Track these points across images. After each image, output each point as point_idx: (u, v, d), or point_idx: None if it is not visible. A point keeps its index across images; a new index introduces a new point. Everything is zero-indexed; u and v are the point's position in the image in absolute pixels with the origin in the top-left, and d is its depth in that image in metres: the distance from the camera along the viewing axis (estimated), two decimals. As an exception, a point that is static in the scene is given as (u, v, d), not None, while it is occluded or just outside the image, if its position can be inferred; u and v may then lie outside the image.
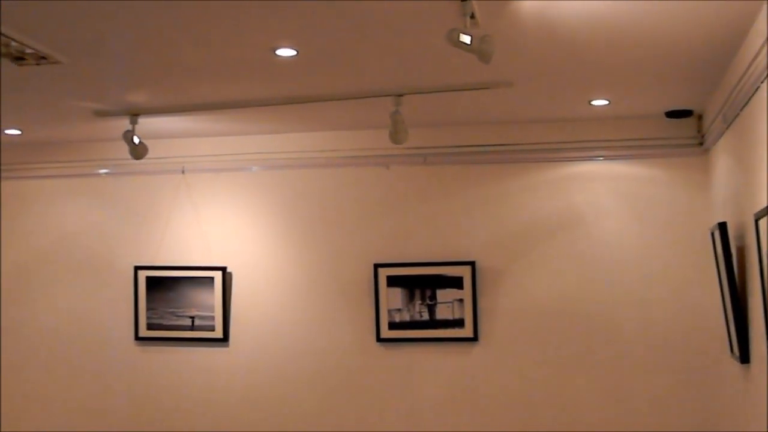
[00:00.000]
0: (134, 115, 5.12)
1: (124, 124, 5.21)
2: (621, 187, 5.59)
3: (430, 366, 5.70)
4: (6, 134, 5.91)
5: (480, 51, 3.21)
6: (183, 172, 6.05)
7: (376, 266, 5.74)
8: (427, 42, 3.75)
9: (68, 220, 6.27)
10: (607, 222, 5.59)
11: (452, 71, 4.26)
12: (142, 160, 5.38)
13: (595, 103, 5.07)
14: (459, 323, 5.64)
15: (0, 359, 6.27)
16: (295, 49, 3.87)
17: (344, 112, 5.24)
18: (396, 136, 4.78)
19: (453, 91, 4.60)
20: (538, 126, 5.63)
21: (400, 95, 4.66)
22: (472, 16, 3.20)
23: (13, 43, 3.68)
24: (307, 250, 5.90)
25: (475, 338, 5.62)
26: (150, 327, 6.03)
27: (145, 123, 5.23)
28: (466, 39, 3.13)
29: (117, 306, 6.13)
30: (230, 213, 6.03)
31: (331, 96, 4.77)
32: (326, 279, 5.87)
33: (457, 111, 5.32)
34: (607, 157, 5.61)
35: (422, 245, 5.76)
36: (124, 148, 5.31)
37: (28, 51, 3.80)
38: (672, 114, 5.34)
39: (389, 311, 5.72)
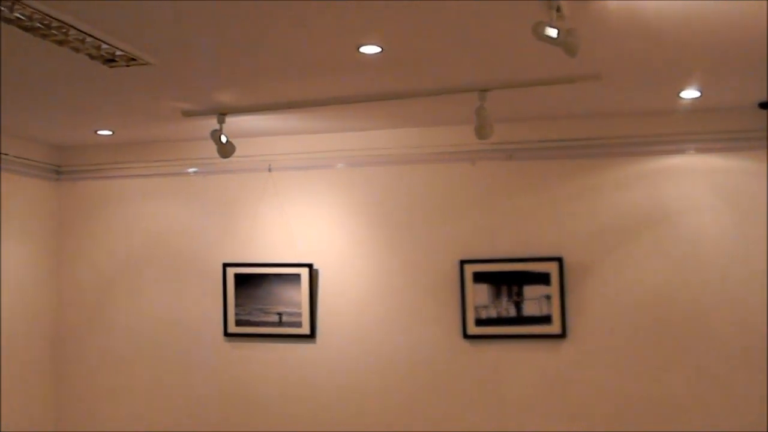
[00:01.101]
0: (221, 114, 5.19)
1: (212, 123, 5.28)
2: (713, 180, 5.46)
3: (517, 363, 5.65)
4: (98, 135, 6.05)
5: (566, 44, 3.17)
6: (269, 170, 6.10)
7: (462, 262, 5.71)
8: (512, 36, 3.71)
9: (158, 218, 6.39)
10: (699, 217, 5.46)
11: (538, 65, 4.20)
12: (229, 159, 5.45)
13: (686, 95, 4.96)
14: (546, 320, 5.57)
15: (86, 353, 6.43)
16: (379, 46, 3.87)
17: (429, 108, 5.22)
18: (481, 132, 4.74)
19: (539, 85, 4.54)
20: (627, 119, 5.53)
21: (485, 90, 4.63)
22: (558, 9, 3.15)
23: (104, 46, 3.75)
24: (392, 247, 5.90)
25: (563, 335, 5.55)
26: (238, 323, 6.10)
27: (232, 122, 5.29)
28: (552, 32, 3.09)
29: (206, 302, 6.22)
30: (316, 210, 6.06)
31: (415, 92, 4.75)
32: (412, 275, 5.86)
33: (543, 105, 5.26)
34: (698, 150, 5.48)
35: (508, 241, 5.71)
36: (212, 147, 5.38)
37: (119, 53, 3.87)
38: (765, 105, 5.20)
39: (475, 307, 5.68)
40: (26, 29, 3.50)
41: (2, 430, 6.02)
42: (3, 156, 6.02)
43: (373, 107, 5.12)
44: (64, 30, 3.52)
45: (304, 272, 5.95)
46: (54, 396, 6.52)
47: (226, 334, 6.13)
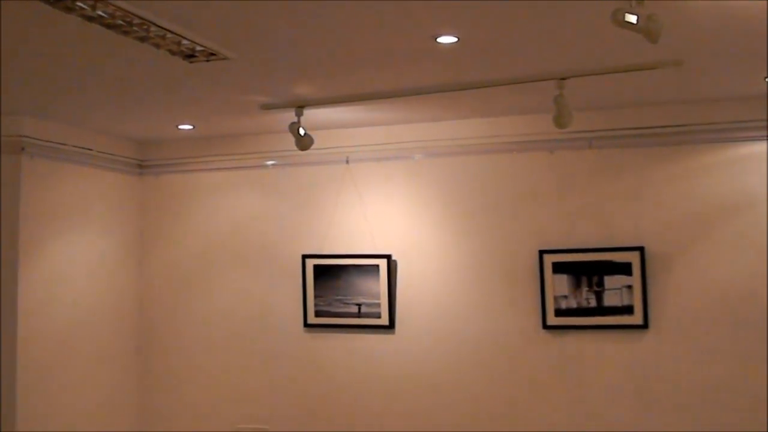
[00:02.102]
0: (299, 107, 5.22)
1: (290, 116, 5.31)
2: (800, 166, 5.32)
3: (598, 353, 5.58)
4: (179, 129, 6.15)
5: (647, 30, 3.11)
6: (347, 161, 6.13)
7: (542, 252, 5.67)
8: (591, 23, 3.65)
9: (238, 211, 6.47)
10: (786, 204, 5.32)
11: (618, 52, 4.14)
12: (307, 151, 5.48)
13: (772, 79, 4.84)
14: (628, 310, 5.49)
15: (168, 343, 6.55)
16: (456, 36, 3.85)
17: (507, 97, 5.18)
18: (560, 120, 4.69)
19: (619, 72, 4.47)
20: (709, 105, 5.41)
21: (564, 78, 4.57)
22: (638, -5, 3.10)
23: (184, 42, 3.81)
24: (471, 237, 5.88)
25: (645, 325, 5.47)
26: (318, 314, 6.15)
27: (310, 114, 5.32)
28: (632, 18, 3.04)
29: (286, 294, 6.28)
30: (394, 201, 6.07)
31: (493, 82, 4.72)
32: (491, 266, 5.83)
33: (623, 92, 5.18)
34: (785, 136, 5.34)
35: (589, 231, 5.64)
36: (290, 140, 5.42)
37: (198, 48, 3.92)
38: None
39: (555, 298, 5.63)
40: (108, 27, 3.57)
41: (90, 417, 6.16)
42: (89, 152, 6.16)
43: (450, 97, 5.10)
44: (145, 27, 3.58)
45: (382, 263, 5.97)
46: (137, 383, 6.66)
47: (306, 325, 6.18)
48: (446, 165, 5.96)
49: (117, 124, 5.99)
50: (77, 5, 3.32)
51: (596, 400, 5.55)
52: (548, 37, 3.92)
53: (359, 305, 6.04)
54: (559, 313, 5.63)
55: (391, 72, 4.52)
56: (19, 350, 5.57)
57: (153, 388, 6.63)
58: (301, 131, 5.30)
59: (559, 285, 5.63)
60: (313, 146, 5.41)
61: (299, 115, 5.26)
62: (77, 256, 6.11)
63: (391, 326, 5.97)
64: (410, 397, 5.94)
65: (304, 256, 6.18)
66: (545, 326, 5.66)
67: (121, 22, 3.51)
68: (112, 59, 4.20)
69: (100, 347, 6.31)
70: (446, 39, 3.88)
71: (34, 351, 5.68)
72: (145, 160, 6.72)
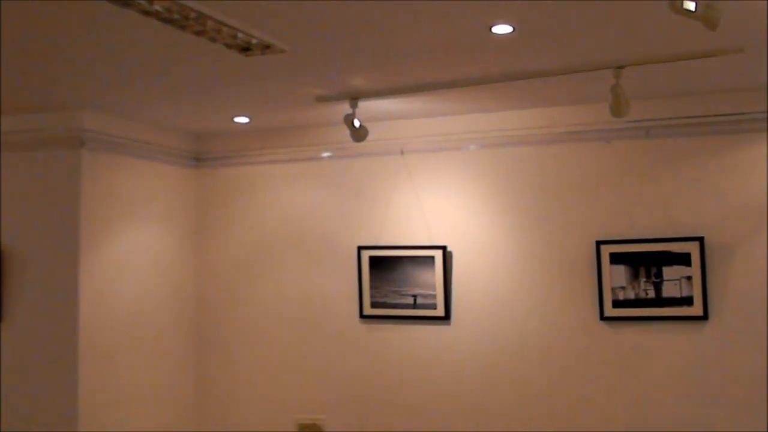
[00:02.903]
0: (354, 98, 5.23)
1: (345, 108, 5.33)
2: None
3: (657, 345, 5.51)
4: (235, 122, 6.20)
5: (705, 17, 3.06)
6: (402, 153, 6.13)
7: (599, 243, 5.61)
8: (648, 10, 3.60)
9: (293, 202, 6.51)
10: None
11: (676, 39, 4.08)
12: (362, 143, 5.49)
13: (837, 65, 4.73)
14: (687, 301, 5.42)
15: (224, 333, 6.62)
16: (511, 26, 3.83)
17: (562, 86, 5.14)
18: (617, 109, 4.63)
19: (677, 60, 4.40)
20: (771, 93, 5.32)
21: (621, 67, 4.51)
22: (697, -19, 3.05)
23: (240, 35, 3.83)
24: (527, 228, 5.84)
25: (705, 317, 5.39)
26: (374, 305, 6.16)
27: (365, 106, 5.33)
28: (690, 6, 2.99)
29: (341, 285, 6.30)
30: (449, 192, 6.05)
31: (548, 71, 4.68)
32: (547, 257, 5.79)
33: (681, 80, 5.10)
34: None
35: (646, 221, 5.57)
36: (345, 132, 5.43)
37: (254, 41, 3.95)
38: None
39: (613, 289, 5.58)
40: (165, 21, 3.61)
41: (149, 406, 6.25)
42: (147, 145, 6.24)
43: (505, 87, 5.07)
44: (201, 21, 3.61)
45: (437, 254, 5.96)
46: (196, 374, 6.74)
47: (362, 316, 6.20)
48: (501, 156, 5.93)
49: (174, 117, 6.06)
50: (135, 1, 3.36)
51: (654, 391, 5.49)
52: (604, 25, 3.87)
53: (415, 296, 6.04)
54: (616, 304, 5.57)
55: (445, 62, 4.51)
56: (80, 341, 5.67)
57: (211, 378, 6.71)
58: (356, 123, 5.31)
59: (616, 276, 5.57)
60: (368, 138, 5.43)
61: (354, 106, 5.27)
62: (136, 248, 6.20)
63: (446, 317, 5.97)
64: (466, 389, 5.93)
65: (360, 248, 6.20)
66: (602, 318, 5.61)
67: (177, 16, 3.55)
68: (169, 53, 4.25)
69: (159, 338, 6.40)
70: (501, 28, 3.86)
71: (95, 342, 5.78)
72: (202, 153, 6.79)
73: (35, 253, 5.81)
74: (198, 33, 3.78)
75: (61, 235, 5.74)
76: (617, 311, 5.57)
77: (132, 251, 6.16)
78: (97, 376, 5.79)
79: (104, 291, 5.87)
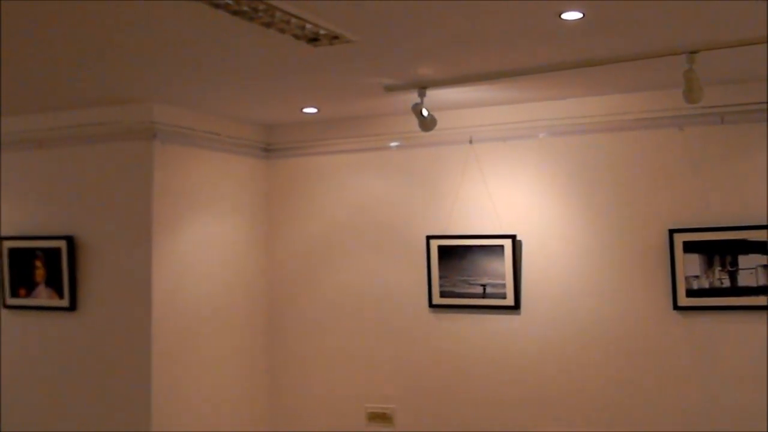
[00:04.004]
0: (422, 88, 5.22)
1: (413, 97, 5.31)
2: None
3: (732, 335, 5.40)
4: (304, 113, 6.23)
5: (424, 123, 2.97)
6: (470, 142, 6.10)
7: (672, 231, 5.52)
8: (723, -6, 3.53)
9: (361, 192, 6.52)
10: None
11: (750, 24, 3.98)
12: (430, 132, 5.48)
13: None
14: (764, 290, 5.30)
15: (295, 323, 6.67)
16: (581, 12, 3.77)
17: (634, 73, 5.05)
18: (690, 96, 4.54)
19: (753, 44, 4.30)
20: None
21: (694, 52, 4.42)
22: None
23: (308, 26, 3.85)
24: (597, 217, 5.77)
25: (782, 306, 5.28)
26: (443, 295, 6.15)
27: (433, 95, 5.31)
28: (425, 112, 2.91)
29: (410, 274, 6.30)
30: (518, 181, 6.01)
31: (619, 57, 4.61)
32: (618, 245, 5.71)
33: (756, 65, 4.97)
34: None
35: (721, 209, 5.46)
36: (414, 121, 5.42)
37: (322, 32, 3.96)
38: None
39: (686, 278, 5.49)
40: (234, 13, 3.63)
41: (221, 394, 6.34)
42: (217, 136, 6.30)
43: (575, 74, 5.01)
44: (269, 12, 3.63)
45: (507, 243, 5.93)
46: (267, 363, 6.81)
47: (431, 305, 6.20)
48: (572, 143, 5.86)
49: (244, 108, 6.11)
50: (204, -7, 3.39)
51: (729, 382, 5.39)
52: (677, 9, 3.80)
53: (484, 286, 6.01)
54: (690, 293, 5.48)
55: (514, 50, 4.47)
56: (153, 331, 5.76)
57: (281, 366, 6.77)
58: (425, 112, 5.30)
59: (690, 265, 5.47)
60: (436, 127, 5.41)
61: (422, 96, 5.26)
62: (207, 239, 6.28)
63: (516, 307, 5.93)
64: (536, 378, 5.89)
65: (429, 237, 6.19)
66: (676, 307, 5.52)
67: (246, 8, 3.57)
68: (238, 46, 4.28)
69: (231, 327, 6.48)
70: (571, 15, 3.81)
71: (167, 332, 5.87)
72: (272, 144, 6.84)
73: (108, 244, 5.92)
74: (266, 25, 3.80)
75: (134, 227, 5.84)
76: (691, 300, 5.47)
77: (203, 242, 6.24)
78: (169, 365, 5.88)
79: (176, 281, 5.96)
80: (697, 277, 5.47)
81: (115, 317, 5.88)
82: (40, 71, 4.88)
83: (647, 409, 5.57)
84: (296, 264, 6.76)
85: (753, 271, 5.33)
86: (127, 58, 4.59)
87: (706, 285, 5.45)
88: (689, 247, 5.47)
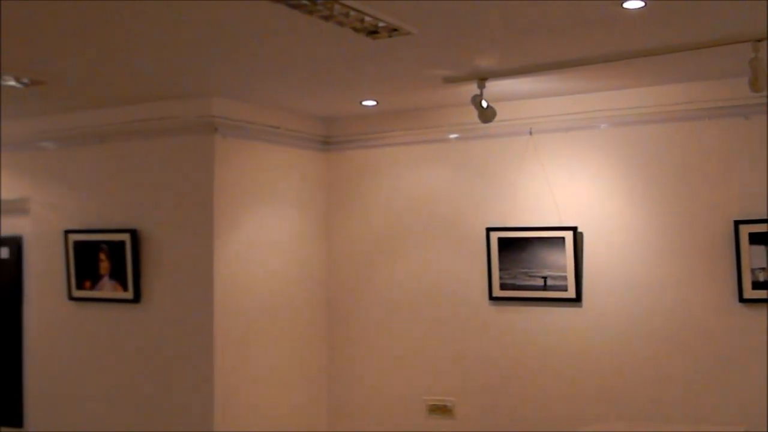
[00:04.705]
0: (482, 79, 5.19)
1: (472, 88, 5.29)
2: None
3: (800, 328, 5.32)
4: (363, 106, 6.23)
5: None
6: (530, 133, 6.05)
7: (737, 223, 5.42)
8: (790, -20, 3.45)
9: (421, 184, 6.51)
10: None
11: (820, 9, 3.90)
12: (490, 123, 5.45)
13: None
14: (833, 283, 5.20)
15: (354, 315, 6.69)
16: (643, 0, 3.72)
17: (697, 61, 4.96)
18: (756, 84, 4.45)
19: (820, 31, 4.21)
20: None
21: (759, 40, 4.33)
22: None
23: (367, 18, 3.85)
24: (660, 208, 5.69)
25: None
26: (503, 287, 6.12)
27: (493, 86, 5.28)
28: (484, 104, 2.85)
29: (470, 267, 6.28)
30: (579, 172, 5.95)
31: (682, 46, 4.53)
32: (681, 237, 5.63)
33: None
34: None
35: (788, 199, 5.35)
36: (473, 113, 5.40)
37: (381, 25, 3.96)
38: None
39: (752, 270, 5.39)
40: (293, 7, 3.65)
41: (282, 386, 6.39)
42: (276, 130, 6.34)
43: (637, 64, 4.93)
44: (328, 5, 3.64)
45: (568, 235, 5.87)
46: (327, 354, 6.85)
47: (491, 298, 6.17)
48: (634, 134, 5.78)
49: (303, 102, 6.14)
50: (264, -13, 3.41)
51: (798, 377, 5.30)
52: (743, -3, 3.73)
53: (545, 278, 5.97)
54: (756, 285, 5.37)
55: (576, 40, 4.43)
56: (216, 323, 5.83)
57: (341, 358, 6.80)
58: (484, 103, 5.28)
59: (756, 256, 5.37)
60: (495, 118, 5.38)
61: (481, 87, 5.23)
62: (267, 231, 6.32)
63: (578, 299, 5.87)
64: (598, 371, 5.83)
65: (489, 229, 6.16)
66: (741, 299, 5.42)
67: (305, 2, 3.58)
68: (298, 39, 4.30)
69: (291, 320, 6.52)
70: (633, 3, 3.76)
71: (229, 324, 5.93)
72: (331, 137, 6.86)
73: (171, 237, 6.00)
74: (326, 17, 3.81)
75: (196, 220, 5.90)
76: (757, 293, 5.37)
77: (263, 234, 6.28)
78: (231, 356, 5.94)
79: (237, 274, 6.01)
80: (763, 269, 5.37)
81: (177, 309, 5.96)
82: (103, 67, 4.96)
83: (711, 403, 5.48)
84: (356, 257, 6.78)
85: (821, 262, 5.22)
86: (188, 53, 4.64)
87: (772, 277, 5.35)
88: (755, 239, 5.37)
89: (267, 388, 6.26)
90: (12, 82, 5.17)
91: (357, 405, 6.72)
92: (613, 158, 5.84)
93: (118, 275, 6.16)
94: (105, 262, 6.22)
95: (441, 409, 6.35)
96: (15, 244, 6.83)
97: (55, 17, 3.90)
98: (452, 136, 6.36)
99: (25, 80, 5.16)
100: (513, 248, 6.07)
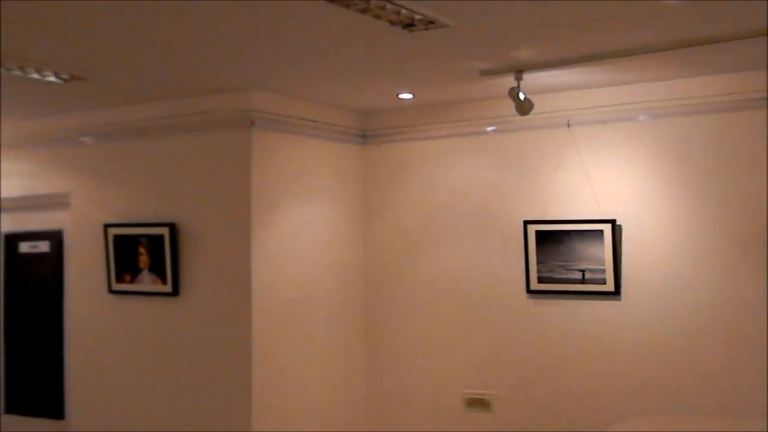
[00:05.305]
0: (519, 71, 5.16)
1: (510, 81, 5.27)
2: None
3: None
4: (400, 99, 6.23)
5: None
6: (568, 125, 6.01)
7: (779, 215, 5.36)
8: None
9: (458, 177, 6.49)
10: None
11: None
12: (527, 116, 5.42)
13: None
14: None
15: (391, 308, 6.69)
16: (683, -10, 3.69)
17: (738, 51, 4.90)
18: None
19: None
20: None
21: (805, 30, 4.28)
22: None
23: (403, 11, 3.85)
24: (701, 201, 5.62)
25: None
26: (540, 280, 6.09)
27: (530, 78, 5.25)
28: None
29: (507, 260, 6.25)
30: (617, 165, 5.90)
31: (722, 36, 4.48)
32: (723, 230, 5.55)
33: None
34: None
35: (831, 191, 5.27)
36: (510, 105, 5.37)
37: (417, 17, 3.95)
38: None
39: (798, 262, 5.32)
40: (331, 1, 3.65)
41: (320, 378, 6.41)
42: (314, 123, 6.35)
43: (676, 55, 4.88)
44: (365, -1, 3.65)
45: (606, 228, 5.83)
46: (365, 347, 6.85)
47: (529, 291, 6.14)
48: (673, 126, 5.72)
49: (340, 95, 6.14)
50: (301, -19, 3.42)
51: (841, 371, 5.23)
52: (785, -14, 3.68)
53: (583, 271, 5.93)
54: (799, 278, 5.31)
55: (615, 31, 4.39)
56: (254, 316, 5.86)
57: (379, 351, 6.80)
58: (521, 96, 5.25)
59: (799, 249, 5.31)
60: (533, 110, 5.35)
61: (519, 79, 5.20)
62: (305, 224, 6.34)
63: (616, 292, 5.83)
64: (637, 366, 5.78)
65: (526, 222, 6.12)
66: (787, 293, 5.36)
67: (342, -5, 3.59)
68: (334, 32, 4.30)
69: (328, 313, 6.53)
70: (673, -7, 3.73)
71: (267, 316, 5.96)
72: (368, 130, 6.86)
73: (209, 231, 6.04)
74: (362, 11, 3.81)
75: (233, 213, 5.93)
76: (798, 286, 5.30)
77: (301, 227, 6.30)
78: (269, 348, 5.97)
79: (275, 267, 6.04)
80: (805, 262, 5.30)
81: (216, 302, 6.00)
82: (142, 63, 5.00)
83: (753, 398, 5.42)
84: (393, 250, 6.78)
85: None
86: (226, 48, 4.67)
87: (814, 270, 5.27)
88: (798, 232, 5.30)
89: (305, 379, 6.28)
90: (52, 78, 5.22)
91: (395, 398, 6.73)
92: (652, 150, 5.79)
93: (157, 269, 6.21)
94: (144, 256, 6.27)
95: (478, 403, 6.34)
96: (56, 237, 6.91)
97: (95, 14, 3.94)
98: (489, 128, 6.34)
99: (65, 76, 5.22)
100: (551, 241, 6.04)
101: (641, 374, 5.77)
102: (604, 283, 5.84)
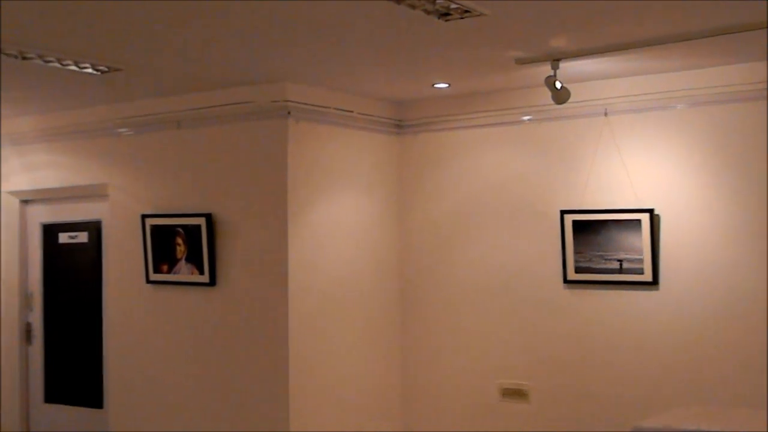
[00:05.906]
0: (555, 60, 5.13)
1: (546, 70, 5.23)
2: None
3: None
4: (435, 88, 6.21)
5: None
6: (605, 114, 5.97)
7: (817, 205, 5.28)
8: None
9: (494, 167, 6.47)
10: None
11: None
12: (564, 105, 5.39)
13: None
14: None
15: (427, 300, 6.69)
16: (722, -23, 3.65)
17: (778, 39, 4.85)
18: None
19: None
20: None
21: None
22: None
23: (438, 0, 3.84)
24: (738, 189, 5.55)
25: None
26: (578, 270, 6.06)
27: (566, 67, 5.22)
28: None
29: (545, 250, 6.22)
30: (655, 154, 5.84)
31: (760, 24, 4.41)
32: (759, 220, 5.47)
33: None
34: None
35: None
36: (546, 94, 5.34)
37: (453, 6, 3.94)
38: None
39: (832, 253, 5.24)
40: (366, -10, 3.66)
41: (355, 366, 6.42)
42: (349, 114, 6.35)
43: (714, 42, 4.82)
44: (401, -12, 3.64)
45: (644, 218, 5.78)
46: (400, 336, 6.86)
47: (566, 281, 6.11)
48: (711, 114, 5.66)
49: (376, 85, 6.14)
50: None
51: None
52: (827, -29, 3.62)
53: (620, 261, 5.89)
54: (837, 269, 5.24)
55: (651, 18, 4.35)
56: (291, 306, 5.88)
57: (414, 342, 6.80)
58: (558, 85, 5.22)
59: (834, 239, 5.23)
60: (569, 99, 5.32)
61: (555, 68, 5.17)
62: (341, 214, 6.35)
63: (654, 283, 5.78)
64: (675, 356, 5.73)
65: (563, 212, 6.09)
66: (823, 283, 5.29)
67: (377, -16, 3.58)
68: (370, 22, 4.30)
69: (364, 303, 6.55)
70: (712, -20, 3.69)
71: (304, 306, 5.99)
72: (403, 120, 6.85)
73: (245, 221, 6.07)
74: (398, 1, 3.80)
75: (270, 203, 5.96)
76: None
77: (336, 218, 6.31)
78: (305, 339, 5.99)
79: (311, 257, 6.06)
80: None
81: (253, 292, 6.03)
82: (179, 54, 5.03)
83: (794, 388, 5.38)
84: (429, 240, 6.77)
85: None
86: (262, 39, 4.68)
87: None
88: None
89: (341, 369, 6.30)
90: (90, 70, 5.27)
91: (430, 388, 6.73)
92: (690, 139, 5.73)
93: (194, 259, 6.25)
94: (181, 246, 6.31)
95: (515, 393, 6.33)
96: (94, 228, 6.98)
97: (133, 6, 3.96)
98: (525, 118, 6.31)
99: (103, 67, 5.26)
100: (588, 231, 6.00)
101: (679, 365, 5.72)
102: (642, 273, 5.79)
